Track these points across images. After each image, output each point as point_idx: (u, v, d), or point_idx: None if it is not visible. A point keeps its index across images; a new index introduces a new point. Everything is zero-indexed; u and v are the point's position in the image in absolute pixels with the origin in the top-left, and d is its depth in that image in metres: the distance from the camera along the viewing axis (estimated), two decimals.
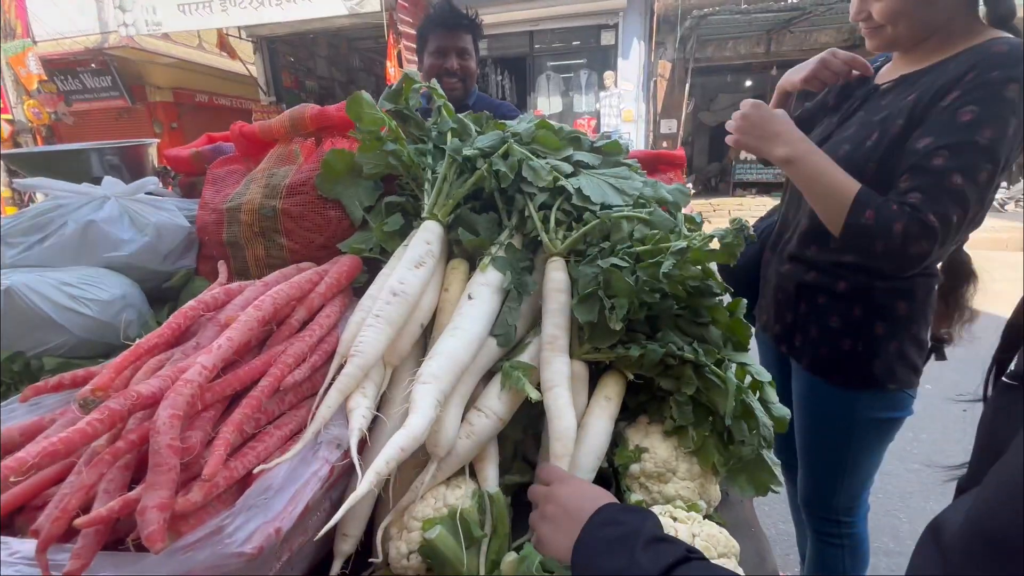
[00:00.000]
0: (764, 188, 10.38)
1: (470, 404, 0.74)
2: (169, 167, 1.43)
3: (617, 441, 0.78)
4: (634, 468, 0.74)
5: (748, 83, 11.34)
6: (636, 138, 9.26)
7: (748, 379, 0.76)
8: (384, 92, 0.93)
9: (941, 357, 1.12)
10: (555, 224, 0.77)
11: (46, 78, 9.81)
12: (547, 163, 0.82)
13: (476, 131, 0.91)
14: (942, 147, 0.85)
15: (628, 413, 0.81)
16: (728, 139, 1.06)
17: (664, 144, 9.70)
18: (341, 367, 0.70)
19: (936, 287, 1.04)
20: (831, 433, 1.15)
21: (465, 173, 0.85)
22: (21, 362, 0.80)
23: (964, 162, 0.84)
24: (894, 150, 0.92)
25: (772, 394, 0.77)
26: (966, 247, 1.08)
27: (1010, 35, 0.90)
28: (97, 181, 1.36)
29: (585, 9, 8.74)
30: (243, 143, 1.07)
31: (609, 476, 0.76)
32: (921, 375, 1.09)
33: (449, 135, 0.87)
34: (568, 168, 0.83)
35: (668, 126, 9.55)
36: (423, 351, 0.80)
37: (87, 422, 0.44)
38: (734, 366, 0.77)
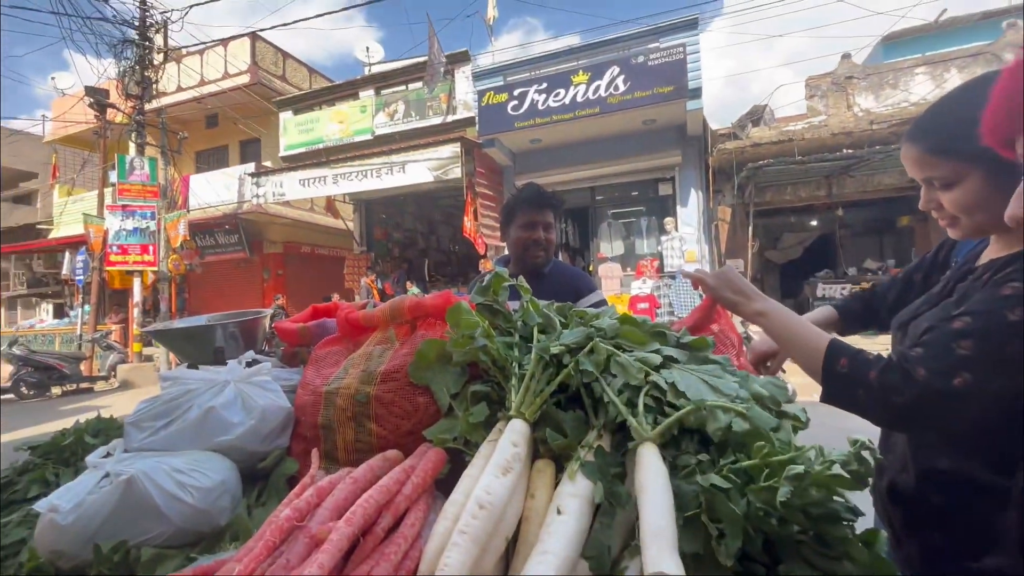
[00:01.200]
0: None
1: None
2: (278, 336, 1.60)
3: None
4: None
5: (813, 222, 11.40)
6: None
7: None
8: (474, 287, 1.02)
9: None
10: (643, 410, 0.74)
11: (188, 237, 11.94)
12: (634, 357, 0.81)
13: (561, 322, 0.95)
14: (967, 313, 0.82)
15: None
16: (703, 289, 1.11)
17: None
18: None
19: None
20: None
21: (551, 368, 0.87)
22: (121, 552, 0.82)
23: (981, 327, 0.79)
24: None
25: None
26: None
27: None
28: (220, 351, 1.55)
29: (642, 167, 9.62)
30: (346, 327, 1.18)
31: None
32: None
33: (535, 330, 0.91)
34: (657, 359, 0.83)
35: (735, 265, 9.52)
36: (505, 566, 0.74)
37: None
38: None
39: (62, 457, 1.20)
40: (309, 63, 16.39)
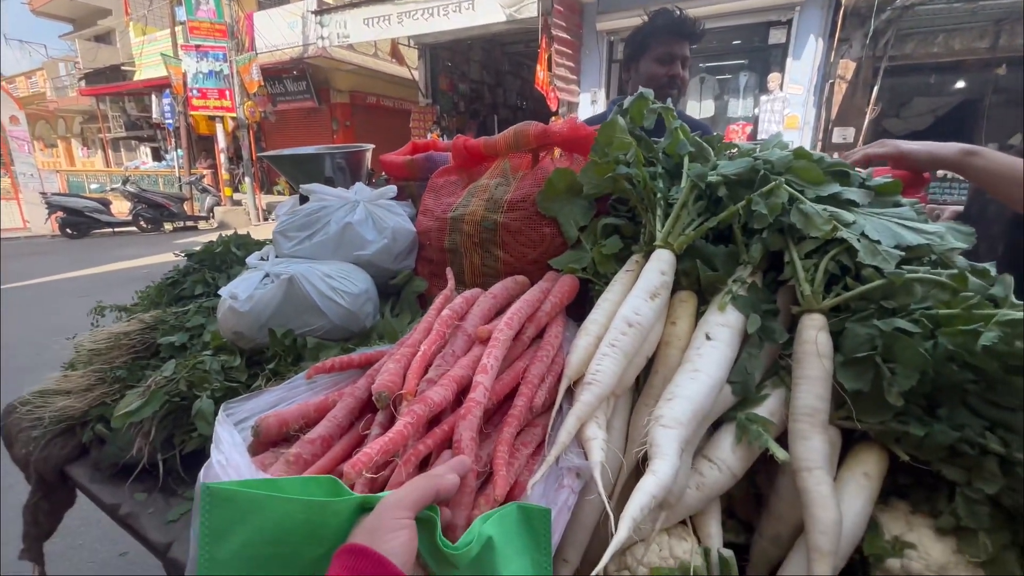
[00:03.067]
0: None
1: (696, 453, 0.69)
2: (383, 171, 1.61)
3: (868, 525, 0.67)
4: (893, 563, 0.63)
5: (960, 84, 9.41)
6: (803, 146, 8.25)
7: None
8: (614, 111, 0.92)
9: None
10: (822, 275, 0.68)
11: (262, 83, 11.89)
12: (824, 209, 0.72)
13: (713, 155, 0.85)
14: None
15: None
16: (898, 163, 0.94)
17: (835, 155, 8.49)
18: (569, 389, 0.70)
19: None
20: None
21: (702, 199, 0.80)
22: (291, 338, 0.95)
23: None
24: None
25: None
26: None
27: None
28: (329, 180, 1.59)
29: (756, 4, 8.00)
30: (464, 155, 1.14)
31: (855, 565, 0.66)
32: None
33: (686, 159, 0.83)
34: (849, 217, 0.72)
35: (843, 135, 8.34)
36: (637, 385, 0.77)
37: (404, 424, 0.49)
38: None
39: (214, 264, 1.35)
40: None
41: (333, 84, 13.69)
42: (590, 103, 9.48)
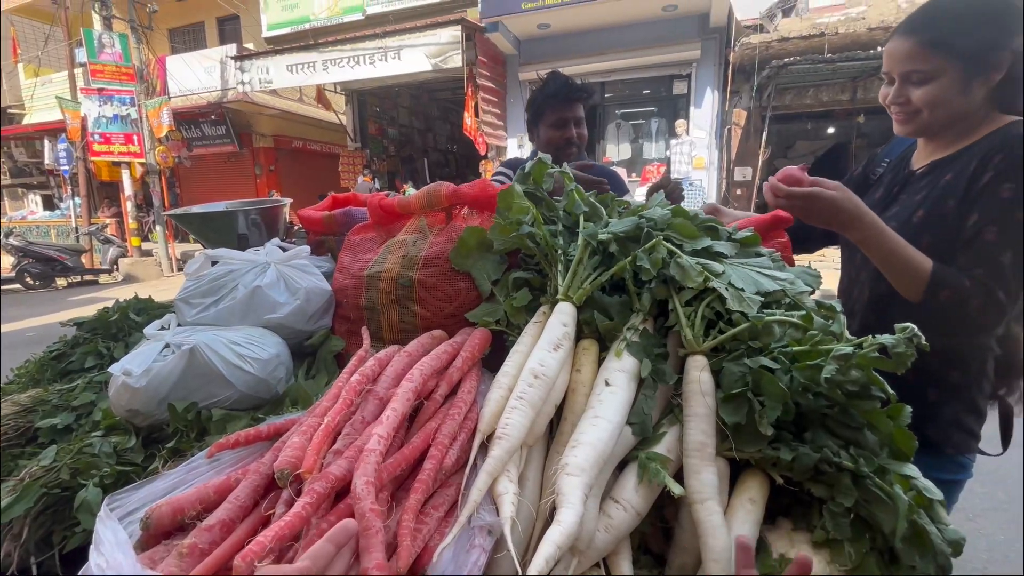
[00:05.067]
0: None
1: (604, 495, 0.73)
2: (301, 226, 1.59)
3: (757, 546, 0.73)
4: None
5: (830, 130, 10.90)
6: (708, 185, 9.11)
7: (914, 495, 0.69)
8: (517, 176, 1.00)
9: (1008, 425, 1.16)
10: (700, 320, 0.77)
11: (174, 127, 11.30)
12: (697, 262, 0.81)
13: (605, 213, 0.94)
14: (990, 223, 0.97)
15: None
16: (776, 204, 1.06)
17: (738, 192, 9.44)
18: (482, 445, 0.72)
19: (991, 358, 1.11)
20: None
21: (597, 254, 0.88)
22: (194, 412, 0.89)
23: (1012, 238, 0.95)
24: (938, 225, 1.05)
25: (943, 514, 0.70)
26: None
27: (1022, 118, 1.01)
28: (243, 237, 1.54)
29: (658, 60, 8.91)
30: (380, 214, 1.17)
31: None
32: (979, 439, 1.14)
33: (581, 219, 0.91)
34: (719, 267, 0.82)
35: (742, 173, 9.32)
36: (550, 431, 0.81)
37: (302, 506, 0.49)
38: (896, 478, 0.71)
39: (110, 332, 1.25)
40: None
41: (256, 128, 13.30)
42: (517, 147, 9.90)
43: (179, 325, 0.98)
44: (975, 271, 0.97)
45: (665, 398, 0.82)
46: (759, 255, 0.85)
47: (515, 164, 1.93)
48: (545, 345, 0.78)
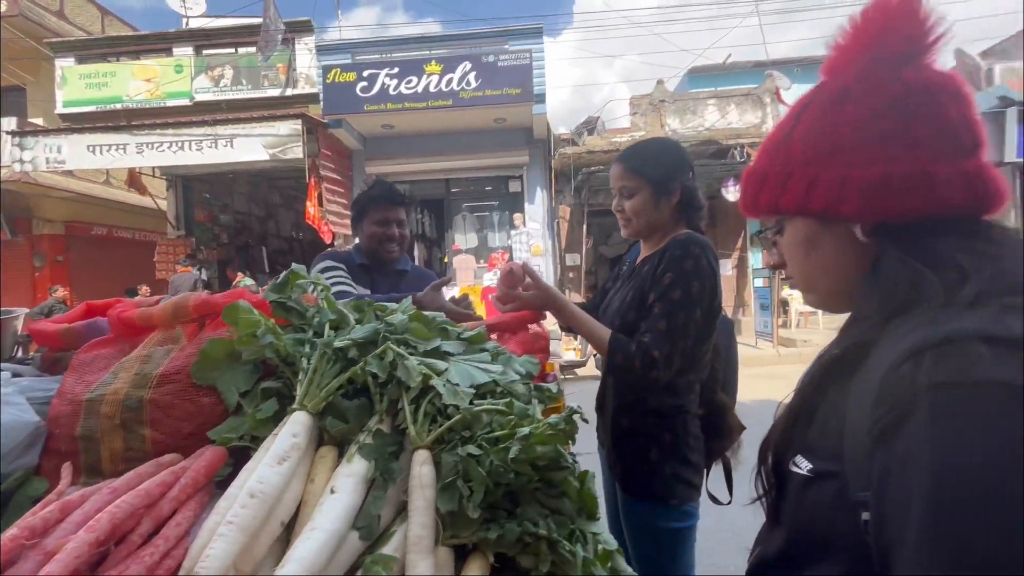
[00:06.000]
0: None
1: None
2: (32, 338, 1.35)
3: None
4: None
5: None
6: (546, 269, 10.11)
7: (598, 550, 0.82)
8: (271, 284, 1.02)
9: (729, 477, 1.47)
10: (424, 416, 0.84)
11: None
12: (419, 363, 0.91)
13: (355, 319, 1.01)
14: (657, 300, 1.29)
15: None
16: (505, 309, 1.35)
17: (571, 275, 10.66)
18: None
19: (693, 421, 1.39)
20: (640, 543, 1.41)
21: (339, 361, 0.92)
22: None
23: (667, 311, 1.27)
24: (639, 304, 1.35)
25: (621, 562, 0.83)
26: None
27: (691, 231, 1.40)
28: None
29: (494, 163, 10.02)
30: (119, 327, 1.07)
31: None
32: (699, 490, 1.38)
33: (327, 327, 0.96)
34: (443, 365, 0.92)
35: (572, 259, 10.61)
36: (286, 546, 0.78)
37: None
38: (588, 537, 0.83)
39: None
40: (101, 2, 13.30)
41: (38, 213, 11.13)
42: None
43: None
44: (644, 337, 1.25)
45: (401, 495, 0.86)
46: (483, 350, 0.99)
47: (336, 255, 1.96)
48: (269, 459, 0.77)
